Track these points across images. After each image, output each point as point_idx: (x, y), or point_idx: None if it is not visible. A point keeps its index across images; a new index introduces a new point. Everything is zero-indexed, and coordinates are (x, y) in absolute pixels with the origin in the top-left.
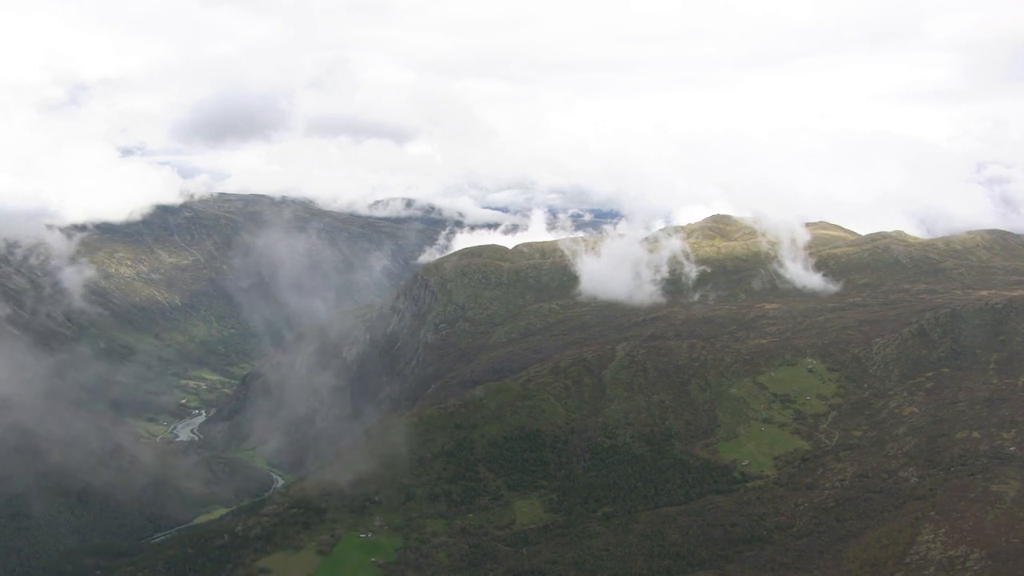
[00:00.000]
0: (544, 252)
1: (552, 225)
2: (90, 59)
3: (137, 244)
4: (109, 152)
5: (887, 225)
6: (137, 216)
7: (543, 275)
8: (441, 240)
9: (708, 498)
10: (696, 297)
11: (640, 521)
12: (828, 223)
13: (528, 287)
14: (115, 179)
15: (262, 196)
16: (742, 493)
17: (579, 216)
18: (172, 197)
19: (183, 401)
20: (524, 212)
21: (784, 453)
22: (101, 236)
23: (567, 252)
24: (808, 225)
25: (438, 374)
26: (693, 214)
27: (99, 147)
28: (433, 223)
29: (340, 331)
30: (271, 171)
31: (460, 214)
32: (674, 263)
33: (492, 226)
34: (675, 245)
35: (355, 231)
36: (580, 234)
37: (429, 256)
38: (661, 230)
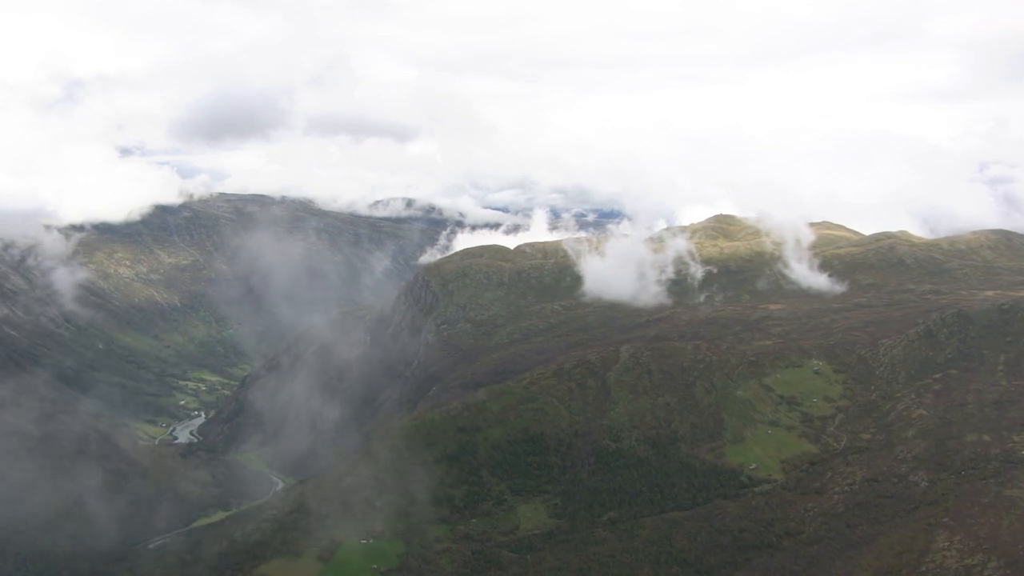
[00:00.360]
0: (546, 252)
1: (554, 225)
2: (88, 56)
3: (136, 244)
4: (107, 152)
5: (889, 225)
6: (136, 216)
7: (545, 275)
8: (442, 240)
9: (715, 503)
10: (702, 298)
11: (646, 527)
12: (831, 223)
13: (530, 288)
14: (114, 179)
15: (262, 196)
16: (750, 498)
17: (583, 216)
18: (171, 197)
19: (182, 403)
20: (525, 212)
21: (792, 456)
22: (100, 236)
23: (570, 252)
24: (811, 225)
25: (439, 376)
26: (696, 214)
27: (97, 147)
28: (434, 223)
29: (340, 332)
30: (271, 171)
31: (461, 214)
32: (679, 263)
33: (493, 226)
34: (680, 245)
35: (355, 231)
36: (582, 234)
37: (430, 256)
38: (666, 230)
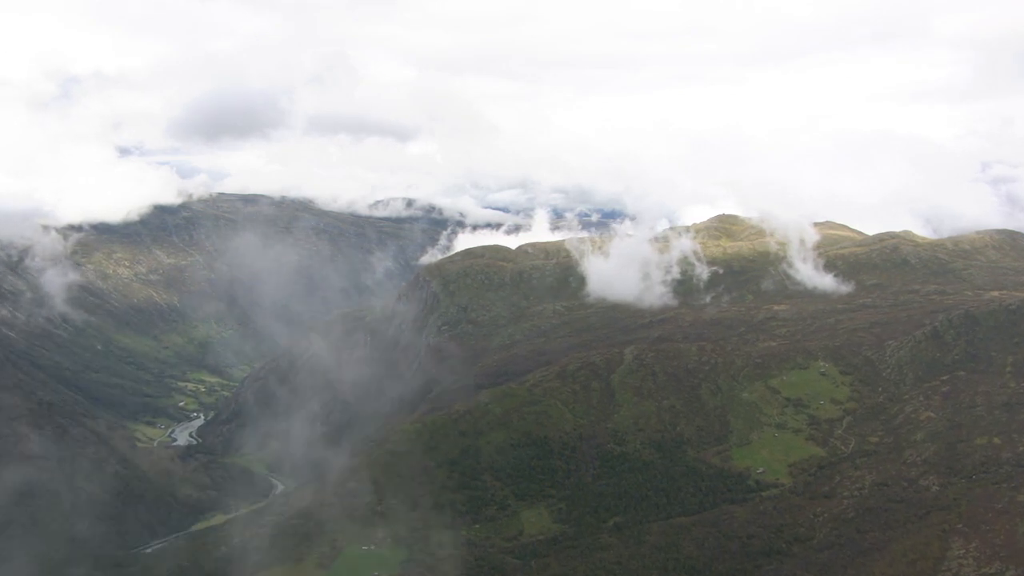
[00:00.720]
0: (548, 252)
1: (555, 225)
2: (86, 55)
3: (135, 245)
4: (106, 151)
5: (892, 225)
6: (135, 216)
7: (547, 276)
8: (443, 240)
9: (723, 508)
10: (708, 299)
11: (653, 532)
12: (834, 223)
13: (532, 288)
14: (112, 179)
15: (261, 196)
16: (758, 502)
17: (586, 216)
18: (170, 197)
19: (181, 404)
20: (526, 212)
21: (799, 460)
22: (98, 237)
23: (573, 252)
24: (815, 225)
25: (440, 377)
26: (698, 214)
27: (96, 146)
28: (434, 223)
29: (340, 333)
30: (270, 171)
31: (461, 214)
32: (684, 264)
33: (494, 226)
34: (685, 245)
35: (355, 231)
36: (585, 234)
37: (431, 257)
38: (670, 229)
